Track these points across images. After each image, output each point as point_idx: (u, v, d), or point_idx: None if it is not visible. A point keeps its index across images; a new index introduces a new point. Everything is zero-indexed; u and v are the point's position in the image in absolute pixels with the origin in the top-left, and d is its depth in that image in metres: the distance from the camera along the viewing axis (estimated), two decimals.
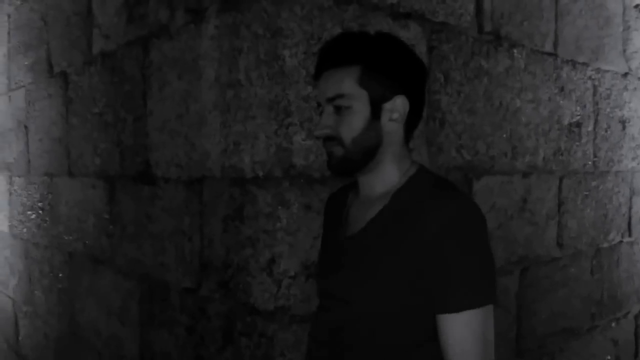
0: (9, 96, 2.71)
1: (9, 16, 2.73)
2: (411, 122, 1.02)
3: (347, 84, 0.98)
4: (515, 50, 1.75)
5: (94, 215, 1.95)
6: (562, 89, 1.93)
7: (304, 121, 1.26)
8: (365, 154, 0.99)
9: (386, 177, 1.02)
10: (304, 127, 1.26)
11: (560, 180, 1.96)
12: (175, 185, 1.54)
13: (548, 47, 1.88)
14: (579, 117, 2.02)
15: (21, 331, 2.72)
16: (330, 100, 0.99)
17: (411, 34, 1.47)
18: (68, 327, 2.20)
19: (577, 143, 2.02)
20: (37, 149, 2.40)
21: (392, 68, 0.98)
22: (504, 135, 1.72)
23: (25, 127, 2.51)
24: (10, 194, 2.74)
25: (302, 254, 1.27)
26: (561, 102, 1.93)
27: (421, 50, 1.49)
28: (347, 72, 0.98)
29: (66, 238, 2.16)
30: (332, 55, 1.00)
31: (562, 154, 1.95)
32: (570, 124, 1.98)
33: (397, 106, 0.98)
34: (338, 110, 0.99)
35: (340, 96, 0.98)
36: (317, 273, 1.16)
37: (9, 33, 2.73)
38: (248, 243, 1.31)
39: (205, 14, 1.41)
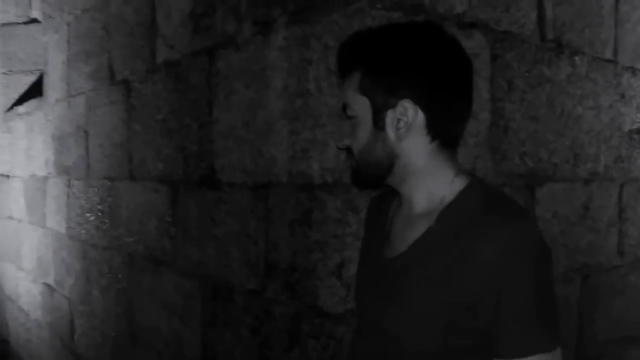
0: (68, 102, 2.81)
1: (68, 25, 2.84)
2: (441, 126, 0.88)
3: (350, 92, 0.91)
4: (576, 58, 1.75)
5: (155, 217, 2.02)
6: (622, 96, 1.92)
7: None
8: (376, 167, 0.91)
9: (425, 190, 0.91)
10: None
11: (621, 187, 1.94)
12: (240, 190, 1.59)
13: (608, 54, 1.87)
14: (639, 124, 2.00)
15: (77, 330, 2.82)
16: (344, 109, 0.94)
17: (475, 43, 1.48)
18: (126, 326, 2.27)
19: (638, 150, 2.00)
20: (97, 153, 2.49)
21: (392, 69, 0.86)
22: (566, 142, 1.72)
23: (85, 132, 2.60)
24: (68, 196, 2.85)
25: None
26: (622, 108, 1.92)
27: (485, 59, 1.50)
28: (350, 80, 0.91)
29: (126, 240, 2.24)
30: (338, 64, 0.95)
31: (622, 161, 1.94)
32: (630, 131, 1.96)
33: (403, 113, 0.86)
34: (350, 119, 0.93)
35: (347, 105, 0.93)
36: (355, 289, 1.10)
37: (68, 41, 2.84)
38: (316, 247, 1.34)
39: (273, 26, 1.45)
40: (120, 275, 2.31)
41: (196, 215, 1.79)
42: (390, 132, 0.88)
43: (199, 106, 1.75)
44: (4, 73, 4.33)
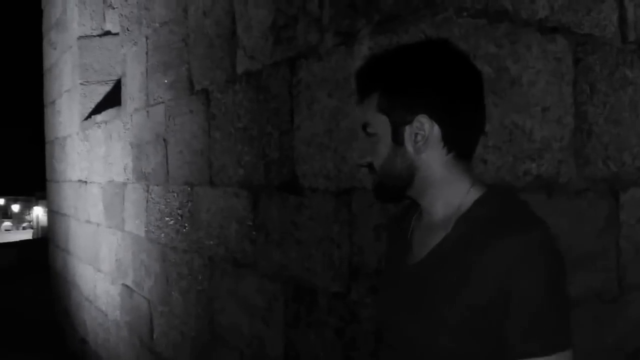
0: (147, 111, 2.96)
1: (147, 38, 2.99)
2: (456, 138, 0.93)
3: (370, 111, 0.97)
4: None
5: (236, 222, 2.10)
6: None
7: None
8: (398, 180, 0.97)
9: (443, 199, 0.96)
10: None
11: None
12: (323, 196, 1.64)
13: None
14: None
15: (156, 329, 2.96)
16: (364, 128, 1.00)
17: (558, 47, 1.48)
18: (206, 326, 2.37)
19: None
20: (176, 160, 2.61)
21: (407, 87, 0.92)
22: None
23: (164, 140, 2.74)
24: (147, 201, 2.99)
25: None
26: None
27: (567, 62, 1.50)
28: (369, 100, 0.97)
29: (207, 243, 2.34)
30: (357, 86, 1.01)
31: None
32: None
33: (419, 127, 0.92)
34: (370, 137, 0.99)
35: (367, 124, 0.99)
36: (379, 297, 1.14)
37: (147, 53, 2.99)
38: None
39: (357, 36, 1.50)
40: (200, 277, 2.41)
41: (277, 220, 1.86)
42: (409, 146, 0.94)
43: (280, 114, 1.82)
44: (81, 84, 4.58)
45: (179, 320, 2.66)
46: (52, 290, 5.99)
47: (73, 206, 4.79)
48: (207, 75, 2.31)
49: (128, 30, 3.28)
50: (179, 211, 2.61)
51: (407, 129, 0.93)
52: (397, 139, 0.95)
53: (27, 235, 32.49)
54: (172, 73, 2.64)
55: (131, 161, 3.24)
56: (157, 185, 2.85)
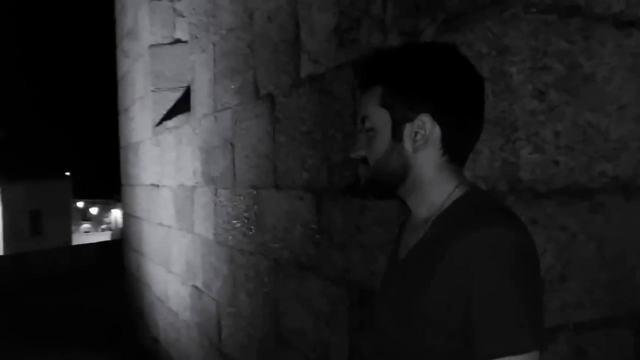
0: (215, 116, 3.04)
1: (214, 44, 3.07)
2: (454, 141, 0.93)
3: (371, 105, 0.96)
4: None
5: (300, 225, 2.11)
6: None
7: (530, 135, 1.26)
8: (391, 177, 0.96)
9: (427, 200, 0.96)
10: (531, 141, 1.26)
11: None
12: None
13: None
14: None
15: (224, 330, 3.02)
16: (362, 121, 0.98)
17: (634, 42, 1.39)
18: (272, 329, 2.40)
19: None
20: (243, 164, 2.67)
21: (413, 85, 0.92)
22: None
23: (231, 144, 2.80)
24: (215, 204, 3.07)
25: None
26: None
27: None
28: (371, 93, 0.96)
29: (272, 245, 2.36)
30: (360, 78, 0.99)
31: None
32: None
33: (421, 126, 0.92)
34: (367, 131, 0.97)
35: (366, 118, 0.97)
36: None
37: (214, 60, 3.07)
38: None
39: (420, 36, 1.47)
40: (266, 280, 2.44)
41: (341, 223, 1.85)
42: (408, 144, 0.93)
43: (344, 117, 1.81)
44: (153, 91, 4.77)
45: (245, 322, 2.70)
46: (127, 290, 6.26)
47: (146, 209, 4.99)
48: (271, 79, 2.34)
49: (196, 37, 3.39)
50: (245, 214, 2.65)
51: (408, 126, 0.93)
52: (397, 136, 0.94)
53: (105, 236, 34.24)
54: (239, 78, 2.70)
55: (200, 165, 3.33)
56: (225, 189, 2.92)
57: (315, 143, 1.99)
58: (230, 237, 2.85)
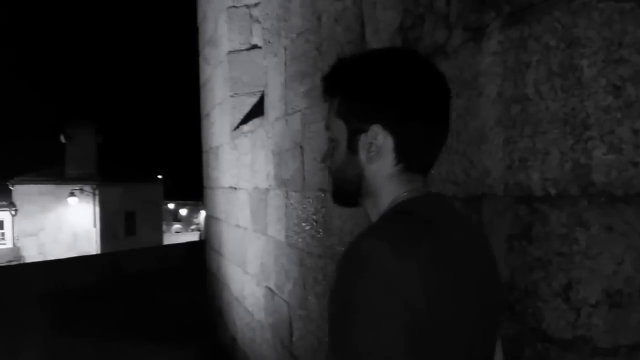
0: (286, 120, 3.06)
1: (285, 48, 3.10)
2: (408, 151, 0.90)
3: (331, 116, 0.96)
4: None
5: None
6: None
7: (604, 134, 1.15)
8: (349, 186, 0.95)
9: (377, 210, 0.95)
10: (605, 140, 1.15)
11: None
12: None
13: None
14: None
15: (295, 333, 3.03)
16: (326, 130, 0.99)
17: None
18: None
19: None
20: (311, 167, 2.67)
21: (365, 95, 0.90)
22: None
23: (301, 147, 2.81)
24: (287, 207, 3.09)
25: (604, 280, 1.16)
26: None
27: None
28: (331, 105, 0.96)
29: (338, 249, 2.34)
30: (323, 89, 0.99)
31: None
32: None
33: (373, 137, 0.90)
34: (330, 142, 0.98)
35: (328, 128, 0.98)
36: None
37: (285, 64, 3.10)
38: (538, 265, 1.24)
39: (485, 31, 1.39)
40: None
41: None
42: (362, 155, 0.92)
43: None
44: (231, 96, 4.90)
45: (315, 325, 2.69)
46: (208, 289, 6.48)
47: (224, 211, 5.13)
48: None
49: (269, 42, 3.44)
50: (313, 217, 2.65)
51: (362, 137, 0.92)
52: (352, 147, 0.93)
53: (194, 236, 35.75)
54: (308, 81, 2.70)
55: (272, 168, 3.37)
56: (295, 192, 2.93)
57: None
58: (300, 239, 2.86)
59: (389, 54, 0.96)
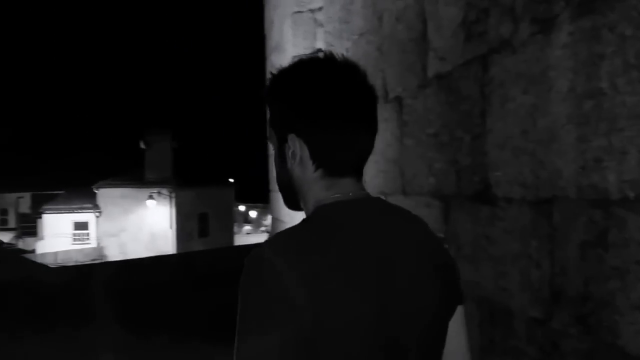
0: None
1: (346, 50, 3.06)
2: (323, 157, 0.93)
3: (268, 125, 1.02)
4: None
5: None
6: None
7: None
8: (285, 192, 1.02)
9: (305, 214, 0.98)
10: None
11: None
12: (519, 206, 1.45)
13: None
14: None
15: None
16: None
17: None
18: None
19: None
20: (372, 169, 2.61)
21: (281, 107, 0.96)
22: None
23: None
24: None
25: None
26: None
27: None
28: (268, 114, 1.01)
29: None
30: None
31: None
32: None
33: (293, 145, 0.94)
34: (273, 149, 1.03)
35: (268, 139, 1.06)
36: None
37: None
38: (614, 274, 1.13)
39: (555, 22, 1.29)
40: None
41: (470, 232, 1.71)
42: (289, 162, 0.96)
43: (472, 117, 1.67)
44: None
45: None
46: None
47: (289, 213, 5.15)
48: (399, 81, 2.26)
49: (331, 45, 3.41)
50: None
51: (286, 146, 0.96)
52: (281, 154, 0.99)
53: (264, 238, 36.34)
54: None
55: None
56: None
57: (442, 146, 1.87)
58: None
59: (302, 65, 0.98)
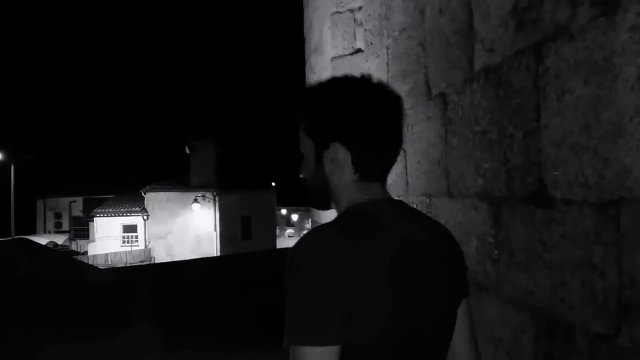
0: None
1: (387, 48, 2.95)
2: (363, 163, 1.08)
3: (301, 135, 1.13)
4: None
5: (476, 238, 1.86)
6: None
7: None
8: (319, 193, 1.14)
9: (338, 212, 1.12)
10: None
11: None
12: (579, 209, 1.31)
13: None
14: None
15: None
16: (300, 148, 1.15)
17: None
18: None
19: None
20: (414, 170, 2.49)
21: (326, 118, 1.07)
22: None
23: (404, 150, 2.63)
24: None
25: None
26: None
27: None
28: (301, 125, 1.13)
29: None
30: (294, 113, 1.14)
31: None
32: None
33: (334, 152, 1.07)
34: (303, 155, 1.15)
35: (300, 145, 1.15)
36: None
37: (387, 64, 2.94)
38: None
39: (620, 3, 1.15)
40: None
41: (523, 237, 1.57)
42: (327, 167, 1.09)
43: (524, 112, 1.54)
44: None
45: None
46: None
47: (330, 217, 5.05)
48: (443, 77, 2.13)
49: (371, 44, 3.31)
50: None
51: (326, 153, 1.09)
52: (319, 160, 1.11)
53: None
54: (410, 80, 2.53)
55: None
56: (398, 196, 2.76)
57: (491, 144, 1.73)
58: None
59: (346, 82, 1.11)
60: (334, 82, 1.13)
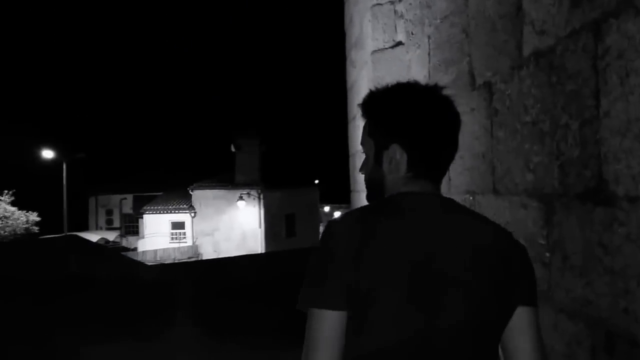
0: None
1: (429, 37, 2.79)
2: (418, 164, 1.15)
3: (364, 135, 1.23)
4: None
5: (525, 239, 1.70)
6: None
7: None
8: (376, 189, 1.22)
9: None
10: None
11: None
12: None
13: None
14: None
15: None
16: (362, 145, 1.25)
17: None
18: None
19: None
20: (457, 165, 2.33)
21: (388, 121, 1.16)
22: None
23: None
24: None
25: None
26: None
27: None
28: (364, 126, 1.23)
29: None
30: (361, 114, 1.22)
31: None
32: None
33: (393, 153, 1.16)
34: (363, 153, 1.24)
35: (362, 144, 1.24)
36: None
37: (429, 54, 2.79)
38: None
39: None
40: None
41: (579, 239, 1.41)
42: (385, 166, 1.18)
43: (580, 99, 1.37)
44: None
45: None
46: None
47: None
48: (489, 65, 1.97)
49: (412, 34, 3.16)
50: None
51: (385, 153, 1.17)
52: (378, 160, 1.20)
53: None
54: (453, 70, 2.37)
55: None
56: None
57: (543, 136, 1.57)
58: None
59: (410, 88, 1.18)
60: (398, 88, 1.19)
